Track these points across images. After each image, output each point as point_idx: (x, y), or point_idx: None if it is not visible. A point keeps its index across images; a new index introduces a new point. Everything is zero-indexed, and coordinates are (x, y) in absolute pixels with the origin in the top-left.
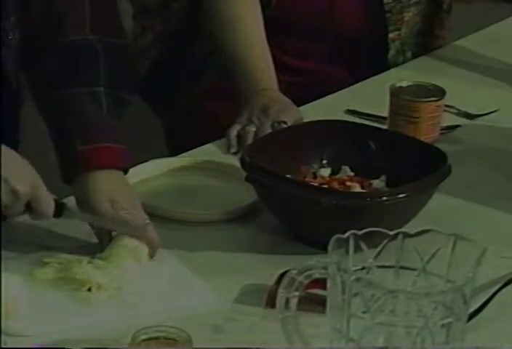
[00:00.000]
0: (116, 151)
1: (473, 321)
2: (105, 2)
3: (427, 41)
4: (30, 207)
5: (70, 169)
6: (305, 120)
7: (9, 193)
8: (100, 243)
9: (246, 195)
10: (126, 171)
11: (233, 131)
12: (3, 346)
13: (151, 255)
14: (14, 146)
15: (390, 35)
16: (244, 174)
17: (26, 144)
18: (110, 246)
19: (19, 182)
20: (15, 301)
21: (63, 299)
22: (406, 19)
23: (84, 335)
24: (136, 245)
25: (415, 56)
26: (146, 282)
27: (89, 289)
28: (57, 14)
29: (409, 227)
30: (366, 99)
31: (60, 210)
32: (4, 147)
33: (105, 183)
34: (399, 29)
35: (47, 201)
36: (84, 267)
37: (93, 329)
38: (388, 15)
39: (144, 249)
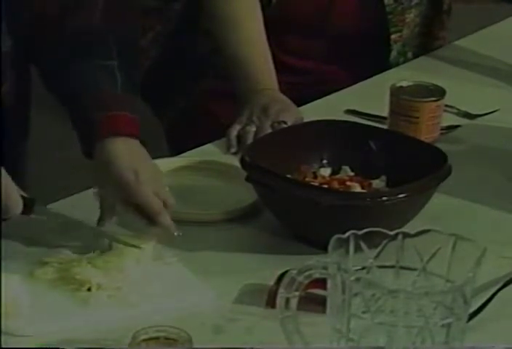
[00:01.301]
0: (131, 120)
1: (473, 321)
2: None
3: (427, 42)
4: None
5: (88, 139)
6: (305, 120)
7: None
8: (101, 216)
9: (246, 195)
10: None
11: (233, 131)
12: (3, 346)
13: (168, 237)
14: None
15: (392, 36)
16: (244, 174)
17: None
18: (113, 245)
19: None
20: (15, 301)
21: (63, 299)
22: (407, 20)
23: (84, 335)
24: (139, 243)
25: (416, 57)
26: (146, 282)
27: (89, 289)
28: (69, 3)
29: (409, 227)
30: (366, 99)
31: (29, 207)
32: None
33: (125, 152)
34: (401, 30)
35: (15, 197)
36: (84, 267)
37: (93, 329)
38: (389, 17)
39: (147, 249)
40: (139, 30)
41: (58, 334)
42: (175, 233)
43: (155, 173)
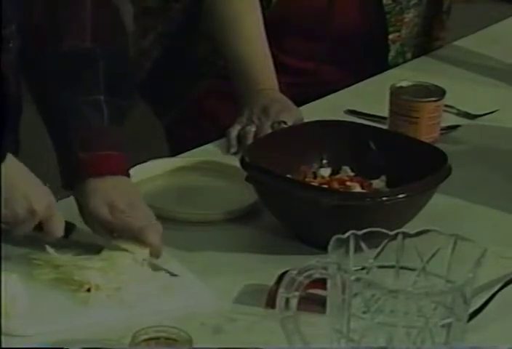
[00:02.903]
0: (114, 158)
1: (474, 321)
2: (106, 9)
3: (427, 43)
4: (39, 226)
5: (71, 176)
6: (305, 120)
7: (27, 211)
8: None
9: (246, 195)
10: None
11: (233, 132)
12: (3, 346)
13: (155, 257)
14: (14, 151)
15: (391, 36)
16: (244, 174)
17: (26, 147)
18: (110, 246)
19: (37, 201)
20: (14, 301)
21: (62, 300)
22: (406, 20)
23: (83, 335)
24: (136, 250)
25: (415, 57)
26: (145, 282)
27: (89, 290)
28: (58, 23)
29: (409, 227)
30: (366, 99)
31: (68, 231)
32: (22, 166)
33: (102, 188)
34: (399, 30)
35: (59, 221)
36: (83, 268)
37: (92, 329)
38: (387, 16)
39: (143, 254)
40: (129, 52)
41: (58, 334)
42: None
43: (135, 204)
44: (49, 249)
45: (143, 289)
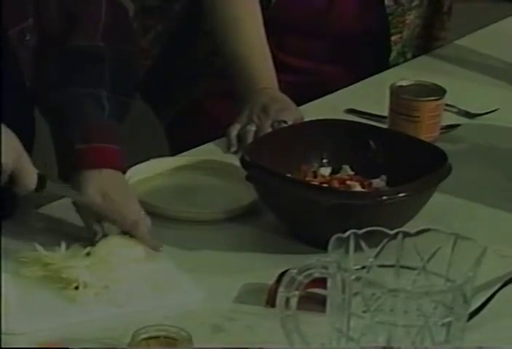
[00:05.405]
0: (111, 152)
1: (473, 320)
2: (118, 9)
3: (427, 43)
4: (13, 179)
5: (67, 166)
6: (305, 119)
7: None
8: (92, 237)
9: (246, 194)
10: (123, 172)
11: (233, 131)
12: (3, 346)
13: (155, 250)
14: (29, 145)
15: (392, 37)
16: (244, 173)
17: (41, 142)
18: (100, 243)
19: (4, 153)
20: (5, 299)
21: (50, 298)
22: (407, 21)
23: (79, 334)
24: (128, 244)
25: (415, 57)
26: (134, 281)
27: (76, 288)
28: (72, 21)
29: (409, 227)
30: (367, 98)
31: (42, 183)
32: None
33: (97, 179)
34: (401, 32)
35: (30, 172)
36: (71, 266)
37: (80, 328)
38: (390, 18)
39: (137, 249)
40: (137, 54)
41: (53, 333)
42: (159, 248)
43: (128, 197)
44: (37, 246)
45: (132, 287)
